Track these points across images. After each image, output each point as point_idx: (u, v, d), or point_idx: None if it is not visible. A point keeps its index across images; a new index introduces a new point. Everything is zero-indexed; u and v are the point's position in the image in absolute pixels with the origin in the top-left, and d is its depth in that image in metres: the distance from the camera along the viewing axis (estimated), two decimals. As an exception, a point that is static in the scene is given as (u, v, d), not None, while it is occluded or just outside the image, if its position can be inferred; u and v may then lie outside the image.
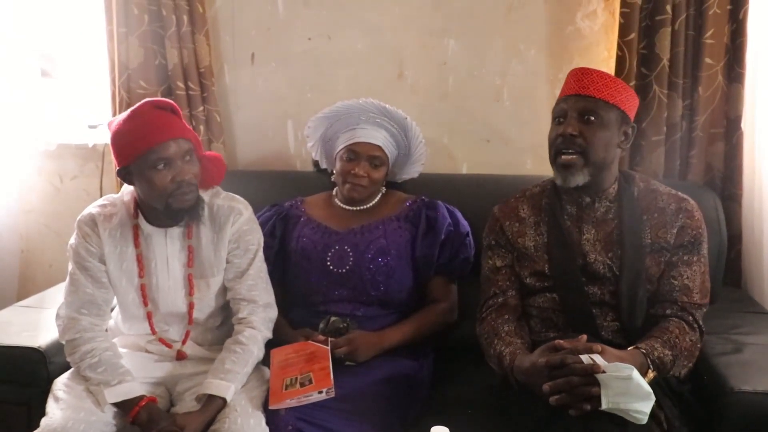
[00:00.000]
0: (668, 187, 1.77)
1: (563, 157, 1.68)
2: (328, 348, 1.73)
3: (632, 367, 1.37)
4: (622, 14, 2.14)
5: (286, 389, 1.62)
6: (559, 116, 1.72)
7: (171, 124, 1.66)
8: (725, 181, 2.19)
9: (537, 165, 2.38)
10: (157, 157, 1.63)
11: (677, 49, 2.12)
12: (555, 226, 1.75)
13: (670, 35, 2.11)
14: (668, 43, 2.11)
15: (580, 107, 1.67)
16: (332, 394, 1.59)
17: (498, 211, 1.86)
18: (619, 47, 2.15)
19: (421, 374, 1.91)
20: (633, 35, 2.13)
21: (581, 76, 1.69)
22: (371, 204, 2.08)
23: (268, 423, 1.59)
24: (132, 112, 1.67)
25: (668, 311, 1.65)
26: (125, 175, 1.71)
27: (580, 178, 1.68)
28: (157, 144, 1.63)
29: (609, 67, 2.24)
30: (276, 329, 1.84)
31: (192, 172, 1.69)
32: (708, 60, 2.13)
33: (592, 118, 1.66)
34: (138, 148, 1.64)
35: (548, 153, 1.75)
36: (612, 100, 1.67)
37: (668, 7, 2.09)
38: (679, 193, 1.75)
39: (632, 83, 2.13)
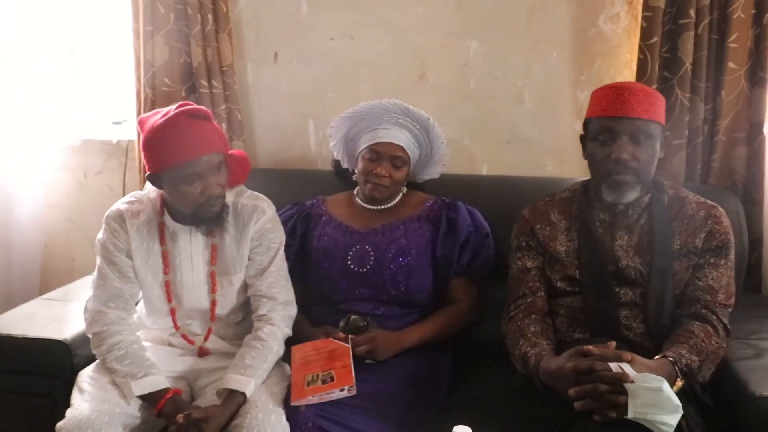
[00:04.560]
0: (697, 195, 1.76)
1: (617, 177, 1.66)
2: (349, 346, 1.74)
3: (662, 378, 1.36)
4: (644, 18, 2.13)
5: (308, 386, 1.63)
6: (604, 136, 1.66)
7: (205, 138, 1.67)
8: (747, 186, 2.17)
9: (557, 167, 2.39)
10: (190, 173, 1.65)
11: (700, 52, 2.11)
12: (586, 233, 1.73)
13: (694, 39, 2.10)
14: (691, 47, 2.10)
15: (632, 130, 1.63)
16: (354, 392, 1.60)
17: (528, 213, 1.84)
18: (641, 50, 2.15)
19: (442, 374, 1.92)
20: (656, 39, 2.12)
21: (629, 95, 1.63)
22: (392, 204, 2.09)
23: (288, 419, 1.60)
24: (166, 121, 1.65)
25: (692, 309, 1.65)
26: (155, 180, 1.72)
27: (632, 195, 1.69)
28: (191, 159, 1.64)
29: (631, 70, 2.24)
30: (296, 326, 1.85)
31: (221, 183, 1.72)
32: (731, 64, 2.12)
33: (642, 139, 1.64)
34: (171, 161, 1.65)
35: (594, 170, 1.72)
36: (656, 118, 1.65)
37: (692, 11, 2.08)
38: (708, 201, 1.74)
39: (654, 87, 2.12)
